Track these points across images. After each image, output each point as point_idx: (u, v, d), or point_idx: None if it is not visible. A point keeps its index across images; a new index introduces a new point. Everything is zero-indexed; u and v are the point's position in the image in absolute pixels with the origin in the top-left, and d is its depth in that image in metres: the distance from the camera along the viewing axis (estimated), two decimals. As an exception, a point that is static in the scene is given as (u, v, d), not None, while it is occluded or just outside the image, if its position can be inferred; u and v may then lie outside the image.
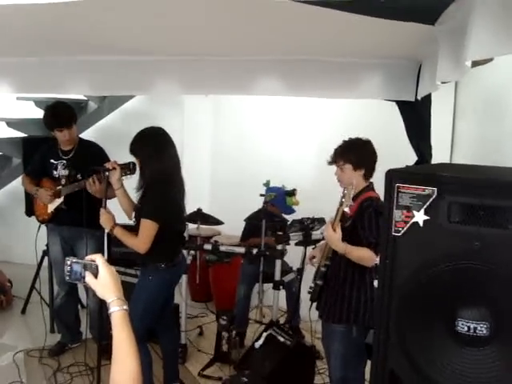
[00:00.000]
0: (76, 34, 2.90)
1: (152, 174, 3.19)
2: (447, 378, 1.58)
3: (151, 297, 3.30)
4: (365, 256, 2.76)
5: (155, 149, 3.21)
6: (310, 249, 3.78)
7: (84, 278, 1.53)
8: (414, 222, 1.62)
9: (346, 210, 2.73)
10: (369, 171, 2.96)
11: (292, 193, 4.39)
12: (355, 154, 2.94)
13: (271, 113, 5.49)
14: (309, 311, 3.09)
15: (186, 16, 2.42)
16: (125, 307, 1.47)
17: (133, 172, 3.33)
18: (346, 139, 3.00)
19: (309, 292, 3.01)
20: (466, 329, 1.53)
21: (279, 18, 2.38)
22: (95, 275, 1.52)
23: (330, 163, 3.02)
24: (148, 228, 3.13)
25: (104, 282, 1.50)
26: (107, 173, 3.32)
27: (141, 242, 3.15)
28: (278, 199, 4.33)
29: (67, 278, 1.58)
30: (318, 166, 4.92)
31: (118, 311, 1.45)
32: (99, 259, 1.53)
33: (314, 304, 3.05)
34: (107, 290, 1.49)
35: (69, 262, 1.57)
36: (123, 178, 3.32)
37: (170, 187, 3.25)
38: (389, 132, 3.40)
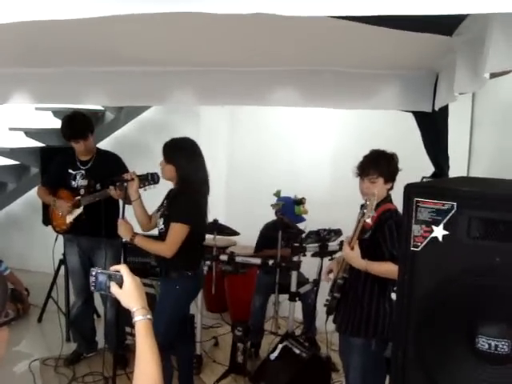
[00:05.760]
0: (93, 46, 2.93)
1: (185, 181, 3.23)
2: (466, 395, 1.55)
3: (178, 306, 3.32)
4: (388, 270, 2.64)
5: (190, 157, 3.27)
6: (326, 260, 3.76)
7: (109, 287, 1.56)
8: (433, 237, 1.60)
9: (368, 220, 2.66)
10: (393, 184, 2.93)
11: (300, 201, 4.36)
12: (388, 167, 2.88)
13: (286, 123, 5.49)
14: (325, 323, 3.06)
15: (201, 28, 2.43)
16: (149, 316, 1.49)
17: (155, 182, 3.35)
18: (373, 151, 2.93)
19: (325, 305, 2.97)
20: (486, 346, 1.50)
21: (296, 30, 2.38)
22: (120, 285, 1.54)
23: (359, 175, 2.91)
24: (178, 231, 3.15)
25: (128, 292, 1.53)
26: (125, 184, 3.33)
27: (168, 246, 3.15)
28: (287, 208, 4.31)
29: (92, 288, 1.62)
30: (334, 176, 4.95)
31: (141, 320, 1.47)
32: (124, 269, 1.56)
33: (330, 316, 3.02)
34: (132, 300, 1.52)
35: (94, 273, 1.60)
36: (146, 187, 3.35)
37: (199, 194, 3.30)
38: (404, 143, 3.38)
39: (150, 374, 1.41)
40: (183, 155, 3.26)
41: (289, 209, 4.31)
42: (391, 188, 2.93)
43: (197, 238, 3.33)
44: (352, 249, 2.70)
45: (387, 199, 2.92)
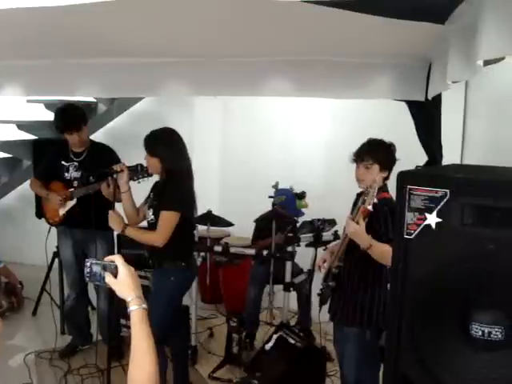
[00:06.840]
0: (85, 38, 2.90)
1: (171, 171, 3.23)
2: (460, 382, 1.56)
3: (172, 297, 3.32)
4: (388, 252, 2.57)
5: (173, 147, 3.26)
6: (320, 250, 3.76)
7: (104, 278, 1.57)
8: (426, 225, 1.59)
9: (369, 207, 2.60)
10: (389, 174, 2.92)
11: (302, 195, 4.37)
12: (384, 155, 2.89)
13: (280, 113, 5.48)
14: (318, 313, 3.06)
15: (195, 18, 2.41)
16: (144, 306, 1.49)
17: (149, 174, 3.34)
18: (371, 139, 2.93)
19: (318, 295, 2.97)
20: (480, 333, 1.50)
21: (289, 19, 2.37)
22: (114, 275, 1.55)
23: (355, 161, 2.92)
24: (169, 219, 3.14)
25: (123, 282, 1.53)
26: (115, 175, 3.32)
27: (160, 234, 3.15)
28: (288, 202, 4.30)
29: (87, 279, 1.62)
30: (328, 166, 4.95)
31: (136, 310, 1.48)
32: (118, 259, 1.56)
33: (324, 306, 3.01)
34: (126, 289, 1.52)
35: (88, 264, 1.61)
36: (140, 180, 3.34)
37: (187, 182, 3.30)
38: (398, 132, 3.36)
39: (146, 363, 1.41)
40: (165, 146, 3.24)
41: (290, 203, 4.31)
42: (388, 177, 2.93)
43: (187, 226, 3.33)
44: (357, 223, 2.64)
45: (383, 188, 2.91)
